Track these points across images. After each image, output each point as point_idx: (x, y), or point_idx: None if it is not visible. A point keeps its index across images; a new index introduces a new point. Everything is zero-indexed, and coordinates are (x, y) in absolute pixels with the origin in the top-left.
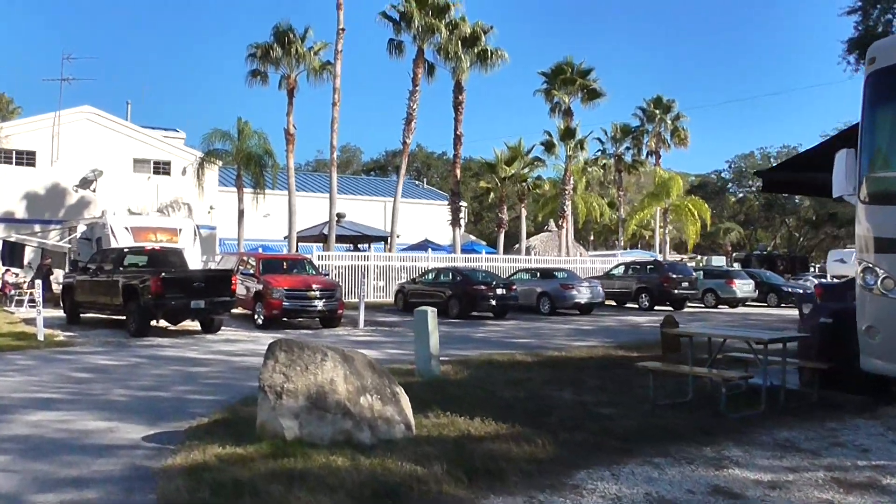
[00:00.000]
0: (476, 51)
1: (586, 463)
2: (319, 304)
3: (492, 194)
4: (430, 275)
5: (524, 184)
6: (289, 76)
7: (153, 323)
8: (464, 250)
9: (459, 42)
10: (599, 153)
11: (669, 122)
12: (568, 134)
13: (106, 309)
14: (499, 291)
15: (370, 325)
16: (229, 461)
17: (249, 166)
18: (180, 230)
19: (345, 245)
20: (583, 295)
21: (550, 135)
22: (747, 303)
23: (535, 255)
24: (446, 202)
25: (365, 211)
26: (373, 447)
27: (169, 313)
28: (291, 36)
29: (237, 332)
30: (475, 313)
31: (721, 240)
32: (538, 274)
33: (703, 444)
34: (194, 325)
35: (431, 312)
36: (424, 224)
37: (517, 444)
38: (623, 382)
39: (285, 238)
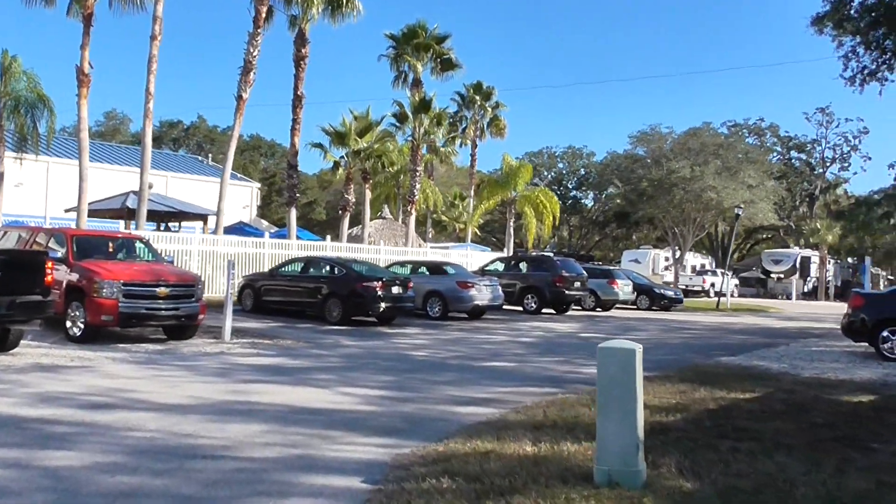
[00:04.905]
0: None
1: None
2: (173, 307)
3: (340, 171)
4: (295, 266)
5: (380, 160)
6: None
7: None
8: (282, 235)
9: None
10: (408, 139)
11: (489, 109)
12: (423, 106)
13: None
14: (394, 290)
15: (238, 336)
16: None
17: (15, 116)
18: None
19: (150, 224)
20: (483, 295)
21: (402, 105)
22: (618, 305)
23: (382, 244)
24: (238, 181)
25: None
26: None
27: None
28: None
29: (47, 351)
30: (357, 318)
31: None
32: (424, 269)
33: None
34: None
35: (638, 352)
36: (213, 205)
37: None
38: None
39: (68, 211)
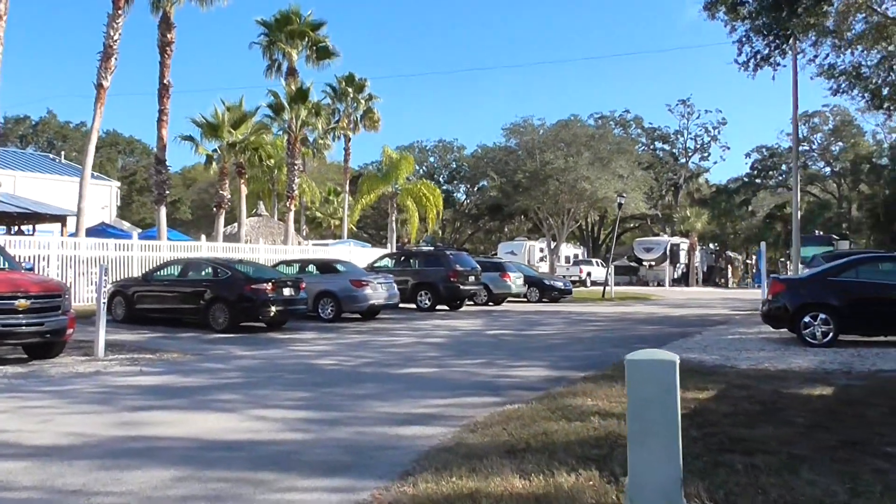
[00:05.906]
0: None
1: None
2: (36, 321)
3: (213, 166)
4: (173, 269)
5: (256, 153)
6: None
7: None
8: (150, 236)
9: None
10: (282, 132)
11: (363, 102)
12: (299, 96)
13: None
14: (285, 292)
15: (114, 351)
16: None
17: None
18: None
19: None
20: (379, 294)
21: (277, 95)
22: (509, 299)
23: (261, 242)
24: (96, 180)
25: None
26: None
27: None
28: None
29: None
30: (245, 324)
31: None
32: (313, 268)
33: None
34: None
35: (677, 364)
36: (70, 205)
37: None
38: None
39: None
